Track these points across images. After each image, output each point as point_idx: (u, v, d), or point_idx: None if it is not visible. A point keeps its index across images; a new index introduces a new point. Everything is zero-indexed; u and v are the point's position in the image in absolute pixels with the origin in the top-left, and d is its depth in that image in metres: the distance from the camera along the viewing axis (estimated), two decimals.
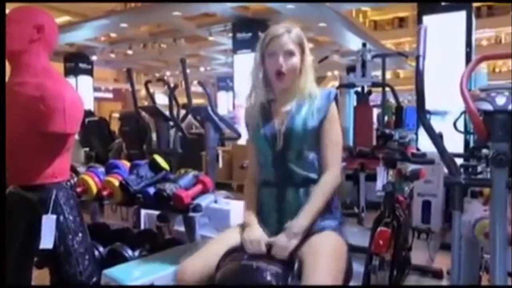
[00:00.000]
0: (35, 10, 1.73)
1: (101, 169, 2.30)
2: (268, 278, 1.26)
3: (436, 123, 3.92)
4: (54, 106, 1.61)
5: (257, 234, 1.45)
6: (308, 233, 1.46)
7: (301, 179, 1.52)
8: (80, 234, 1.75)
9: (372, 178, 3.70)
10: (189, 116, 4.14)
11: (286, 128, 1.52)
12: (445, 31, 4.84)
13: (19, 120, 1.65)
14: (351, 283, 1.93)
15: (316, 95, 1.55)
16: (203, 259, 1.42)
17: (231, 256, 1.37)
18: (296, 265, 1.32)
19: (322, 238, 1.45)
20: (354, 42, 8.49)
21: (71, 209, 1.74)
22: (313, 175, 1.52)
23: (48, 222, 1.67)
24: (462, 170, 2.69)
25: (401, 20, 16.60)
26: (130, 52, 10.65)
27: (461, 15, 4.79)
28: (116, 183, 2.04)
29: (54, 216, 1.67)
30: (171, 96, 3.73)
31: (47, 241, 1.66)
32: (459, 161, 2.91)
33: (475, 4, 11.24)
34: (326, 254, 1.38)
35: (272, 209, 1.54)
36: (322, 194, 1.49)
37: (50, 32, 1.74)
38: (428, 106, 4.44)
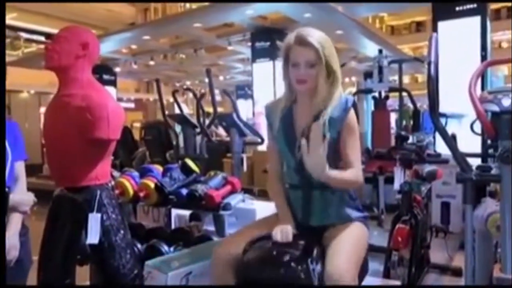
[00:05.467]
0: (81, 29, 1.93)
1: (135, 173, 2.49)
2: (289, 261, 1.38)
3: (453, 126, 4.01)
4: (99, 114, 1.77)
5: (287, 226, 1.53)
6: (337, 221, 1.59)
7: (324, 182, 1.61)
8: (121, 231, 1.90)
9: (390, 181, 3.81)
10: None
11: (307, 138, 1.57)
12: (461, 36, 4.91)
13: (67, 128, 1.82)
14: (371, 278, 2.06)
15: (335, 104, 1.58)
16: (234, 243, 1.56)
17: (257, 243, 1.50)
18: (315, 251, 1.42)
19: (349, 227, 1.57)
20: (371, 48, 8.56)
21: (113, 208, 1.89)
22: None
23: (94, 220, 1.82)
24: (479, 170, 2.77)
25: (418, 24, 16.58)
26: (152, 63, 10.94)
27: (476, 20, 4.87)
28: (152, 185, 2.22)
29: (99, 215, 1.83)
30: (198, 105, 3.91)
31: (93, 237, 1.81)
32: (477, 161, 2.99)
33: (494, 6, 11.19)
34: (350, 241, 1.49)
35: (299, 208, 1.63)
36: (345, 177, 1.54)
37: (93, 48, 1.91)
38: (445, 109, 4.52)
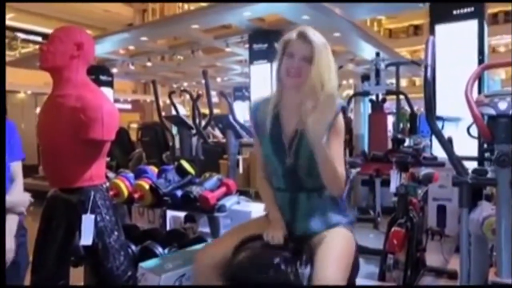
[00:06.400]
0: (75, 30, 1.91)
1: (130, 174, 2.47)
2: (279, 263, 1.38)
3: (450, 129, 4.02)
4: (93, 115, 1.76)
5: (280, 230, 1.52)
6: (321, 229, 1.54)
7: (312, 186, 1.57)
8: (115, 233, 1.88)
9: (387, 183, 3.81)
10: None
11: (295, 145, 1.54)
12: (458, 39, 4.92)
13: (61, 128, 1.81)
14: (367, 280, 2.06)
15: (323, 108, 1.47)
16: (219, 247, 1.55)
17: (246, 245, 1.50)
18: (304, 253, 1.42)
19: (334, 233, 1.53)
20: (368, 51, 8.58)
21: (107, 209, 1.87)
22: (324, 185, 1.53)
23: (88, 221, 1.81)
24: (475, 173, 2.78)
25: (416, 28, 16.69)
26: (149, 64, 10.93)
27: (473, 23, 4.87)
28: (147, 186, 2.20)
29: (93, 216, 1.81)
30: (194, 106, 3.91)
31: (86, 238, 1.80)
32: (473, 164, 3.00)
33: (491, 10, 11.21)
34: (336, 248, 1.46)
35: (286, 211, 1.59)
36: (334, 163, 1.47)
37: (88, 49, 1.90)
38: (442, 112, 4.51)
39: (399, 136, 3.04)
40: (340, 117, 1.55)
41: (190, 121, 3.99)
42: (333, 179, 1.49)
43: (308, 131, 1.42)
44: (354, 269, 1.55)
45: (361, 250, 1.65)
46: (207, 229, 2.37)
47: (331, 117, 1.48)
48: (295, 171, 1.56)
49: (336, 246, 1.47)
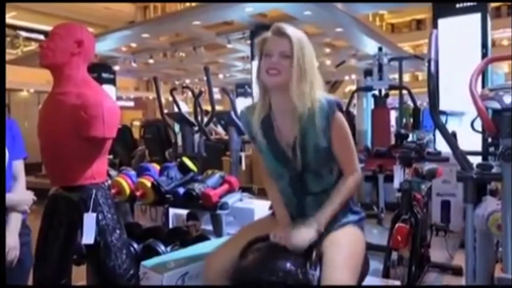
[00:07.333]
0: (75, 27, 1.90)
1: (132, 172, 2.47)
2: (288, 265, 1.35)
3: (454, 124, 3.99)
4: (94, 113, 1.75)
5: (287, 228, 1.49)
6: (330, 228, 1.51)
7: (320, 189, 1.54)
8: (117, 231, 1.87)
9: (390, 179, 3.78)
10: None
11: (299, 152, 1.48)
12: (461, 33, 4.88)
13: (62, 126, 1.80)
14: (371, 277, 2.04)
15: (317, 109, 1.44)
16: (227, 251, 1.52)
17: (254, 247, 1.47)
18: (314, 255, 1.40)
19: (343, 232, 1.51)
20: (371, 46, 8.52)
21: (109, 207, 1.87)
22: (331, 185, 1.53)
23: (89, 220, 1.80)
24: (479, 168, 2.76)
25: (419, 22, 16.60)
26: (151, 61, 10.91)
27: (476, 17, 4.83)
28: (149, 184, 2.19)
29: (94, 214, 1.80)
30: (196, 103, 3.90)
31: (88, 236, 1.79)
32: (477, 159, 2.98)
33: (494, 4, 11.15)
34: (345, 248, 1.44)
35: (293, 213, 1.57)
36: (341, 196, 1.50)
37: (88, 46, 1.89)
38: (446, 107, 4.47)
39: (402, 131, 3.02)
40: (338, 116, 1.47)
41: (192, 118, 3.98)
42: (352, 194, 1.58)
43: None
44: (364, 268, 1.53)
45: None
46: (209, 227, 2.36)
47: (326, 122, 1.45)
48: (303, 177, 1.53)
49: (345, 246, 1.45)
